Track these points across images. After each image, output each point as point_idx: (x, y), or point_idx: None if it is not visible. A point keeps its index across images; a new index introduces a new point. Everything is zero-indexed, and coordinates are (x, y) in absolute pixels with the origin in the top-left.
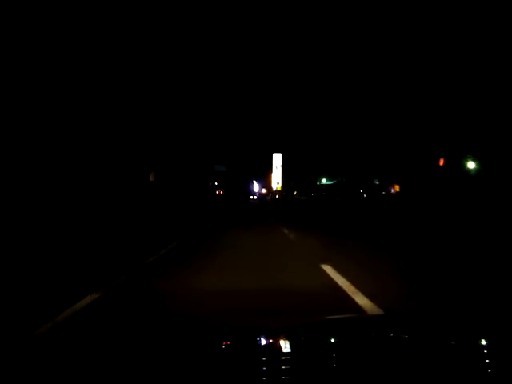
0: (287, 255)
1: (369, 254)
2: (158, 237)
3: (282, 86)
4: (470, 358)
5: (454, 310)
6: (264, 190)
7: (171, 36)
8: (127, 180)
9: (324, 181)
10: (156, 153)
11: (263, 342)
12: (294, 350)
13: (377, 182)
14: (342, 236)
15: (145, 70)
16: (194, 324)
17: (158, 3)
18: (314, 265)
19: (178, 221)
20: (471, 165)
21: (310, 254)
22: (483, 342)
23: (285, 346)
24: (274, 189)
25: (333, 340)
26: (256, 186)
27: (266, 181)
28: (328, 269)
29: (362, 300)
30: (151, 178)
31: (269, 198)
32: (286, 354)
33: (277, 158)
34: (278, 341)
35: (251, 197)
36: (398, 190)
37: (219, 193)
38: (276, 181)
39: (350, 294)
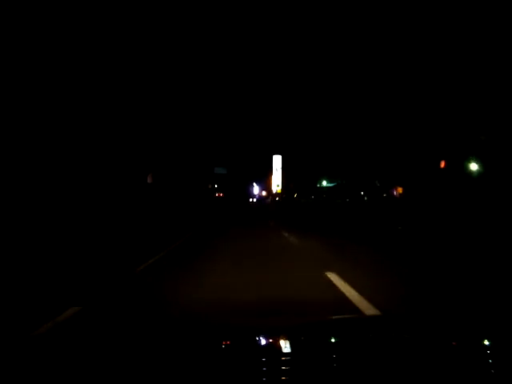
0: (289, 262)
1: (376, 260)
2: (146, 245)
3: (282, 87)
4: (469, 358)
5: (458, 314)
6: (264, 193)
7: (171, 38)
8: (124, 181)
9: (324, 183)
10: (154, 154)
11: (263, 342)
12: (293, 350)
13: (377, 184)
14: (346, 240)
15: (144, 69)
16: (193, 326)
17: (158, 4)
18: (317, 272)
19: (174, 225)
20: (474, 167)
21: (313, 259)
22: (482, 343)
23: (285, 346)
24: (274, 191)
25: (332, 340)
26: (256, 189)
27: (266, 183)
28: (333, 277)
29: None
30: (149, 180)
31: (269, 200)
32: (286, 354)
33: (277, 160)
34: (278, 341)
35: (250, 199)
36: (401, 192)
37: (219, 195)
38: (276, 183)
39: (363, 308)
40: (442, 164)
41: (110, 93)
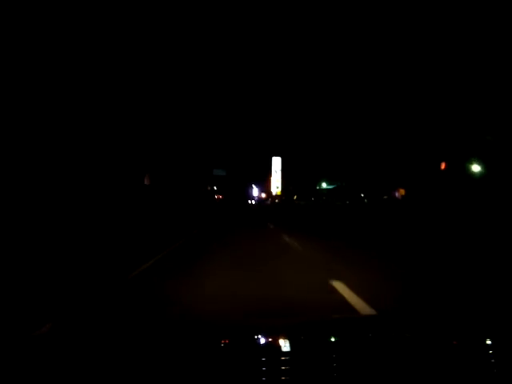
0: (290, 269)
1: (384, 266)
2: (141, 249)
3: (281, 89)
4: (469, 357)
5: (462, 315)
6: (263, 195)
7: (171, 40)
8: (120, 183)
9: (324, 185)
10: (151, 155)
11: (263, 342)
12: (293, 349)
13: (374, 186)
14: (350, 244)
15: (142, 69)
16: (194, 325)
17: (158, 6)
18: (322, 281)
19: (171, 227)
20: (476, 168)
21: (317, 266)
22: (482, 342)
23: (284, 345)
24: (274, 193)
25: (332, 339)
26: (255, 191)
27: (265, 185)
28: (340, 287)
29: None
30: (146, 182)
31: (268, 202)
32: (285, 353)
33: (276, 162)
34: (277, 341)
35: (249, 201)
36: (403, 194)
37: (218, 197)
38: (275, 185)
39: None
40: (443, 166)
41: (107, 93)
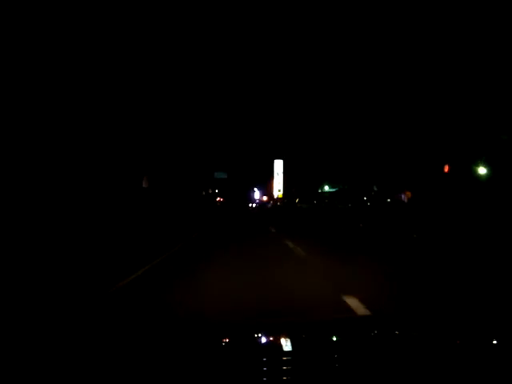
0: (295, 281)
1: (402, 277)
2: (132, 256)
3: (283, 92)
4: (469, 357)
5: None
6: (265, 198)
7: (171, 42)
8: (116, 185)
9: (326, 188)
10: (150, 156)
11: (263, 342)
12: (294, 350)
13: (375, 189)
14: (359, 252)
15: (142, 70)
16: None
17: (158, 7)
18: (333, 297)
19: (168, 232)
20: (482, 170)
21: (326, 278)
22: (482, 343)
23: (285, 345)
24: (276, 196)
25: (333, 340)
26: (257, 194)
27: (267, 188)
28: (355, 304)
29: None
30: (144, 184)
31: (270, 205)
32: (287, 354)
33: (278, 165)
34: (278, 341)
35: (250, 204)
36: (410, 196)
37: (219, 200)
38: (277, 188)
39: None
40: (446, 168)
41: (106, 92)
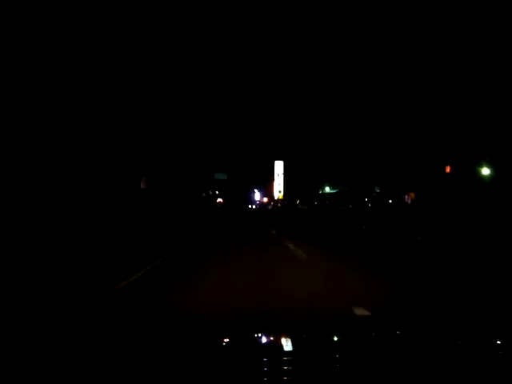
0: (299, 292)
1: (410, 285)
2: (131, 257)
3: (283, 92)
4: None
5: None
6: (265, 199)
7: (171, 42)
8: (113, 186)
9: (327, 189)
10: (149, 157)
11: (263, 342)
12: (295, 350)
13: (376, 190)
14: (365, 257)
15: (142, 70)
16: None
17: (158, 8)
18: (344, 312)
19: (166, 234)
20: (485, 171)
21: (335, 288)
22: (475, 343)
23: (286, 346)
24: (276, 197)
25: (334, 340)
26: (257, 195)
27: (267, 189)
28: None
29: None
30: (142, 185)
31: (270, 207)
32: (287, 354)
33: (279, 166)
34: (278, 341)
35: (249, 206)
36: (413, 198)
37: (220, 202)
38: (278, 189)
39: None
40: (448, 169)
41: (104, 91)
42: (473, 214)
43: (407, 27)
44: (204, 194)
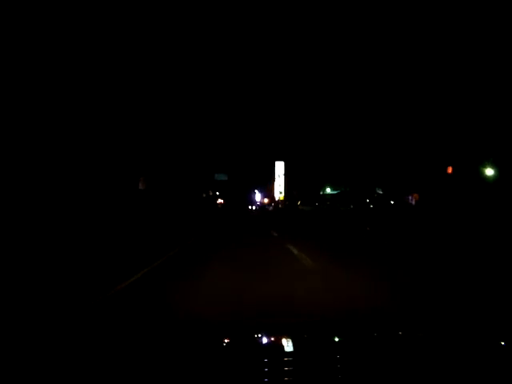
0: (304, 307)
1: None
2: (127, 261)
3: (284, 93)
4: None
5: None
6: (266, 200)
7: (171, 43)
8: (111, 186)
9: (328, 190)
10: (147, 157)
11: (264, 342)
12: (295, 350)
13: (378, 191)
14: (373, 259)
15: (142, 70)
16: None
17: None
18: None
19: (165, 236)
20: (489, 172)
21: (348, 299)
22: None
23: (286, 346)
24: (277, 198)
25: (334, 340)
26: (258, 196)
27: (268, 190)
28: None
29: None
30: (141, 186)
31: (271, 208)
32: (288, 354)
33: (279, 167)
34: (280, 341)
35: (250, 207)
36: (417, 199)
37: (220, 203)
38: (278, 190)
39: None
40: (449, 170)
41: (103, 92)
42: (478, 214)
43: (409, 28)
44: (204, 195)
